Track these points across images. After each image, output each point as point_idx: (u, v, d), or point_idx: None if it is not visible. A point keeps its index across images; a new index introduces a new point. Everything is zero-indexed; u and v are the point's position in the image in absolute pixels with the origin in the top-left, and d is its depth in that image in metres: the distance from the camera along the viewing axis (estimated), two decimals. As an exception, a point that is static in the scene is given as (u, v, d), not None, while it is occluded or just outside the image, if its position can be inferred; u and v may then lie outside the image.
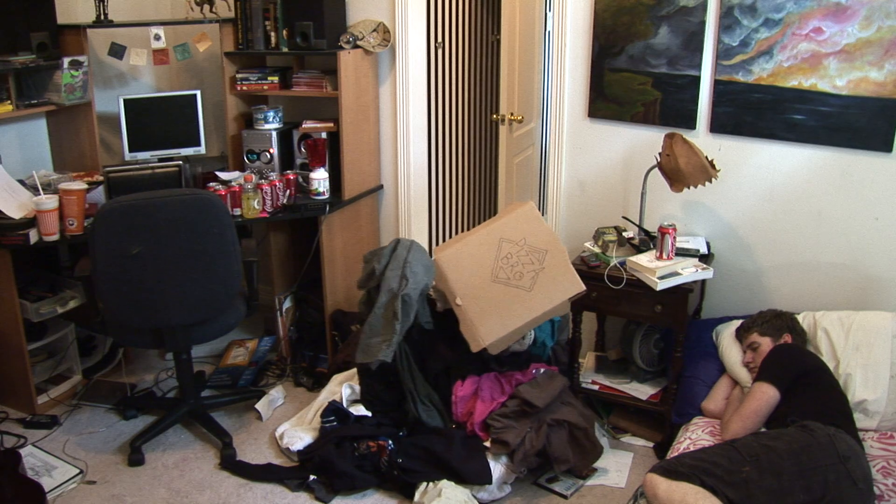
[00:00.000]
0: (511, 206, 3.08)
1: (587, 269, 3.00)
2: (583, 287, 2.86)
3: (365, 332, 2.91)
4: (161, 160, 3.49)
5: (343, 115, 3.46)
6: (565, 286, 2.84)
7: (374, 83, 3.71)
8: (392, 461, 2.77)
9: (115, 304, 2.81)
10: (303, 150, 3.70)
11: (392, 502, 2.75)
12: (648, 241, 3.06)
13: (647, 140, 3.18)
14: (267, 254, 3.82)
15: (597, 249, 3.09)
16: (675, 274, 2.84)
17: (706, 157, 2.88)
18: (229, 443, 3.02)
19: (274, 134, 3.64)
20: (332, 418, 3.04)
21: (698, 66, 3.02)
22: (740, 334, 2.82)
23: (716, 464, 2.16)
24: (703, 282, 3.15)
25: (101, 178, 3.33)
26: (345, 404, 3.14)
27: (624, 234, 3.16)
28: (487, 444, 2.80)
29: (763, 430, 2.42)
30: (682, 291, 2.86)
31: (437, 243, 4.47)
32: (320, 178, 3.49)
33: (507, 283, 2.82)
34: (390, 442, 2.84)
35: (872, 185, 2.84)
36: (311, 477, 2.81)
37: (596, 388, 3.13)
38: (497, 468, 2.74)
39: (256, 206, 3.35)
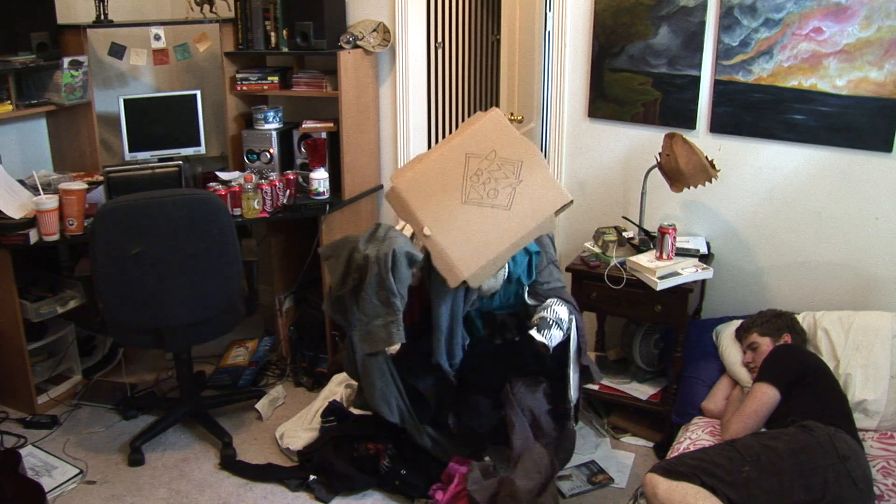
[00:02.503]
0: (475, 117, 2.70)
1: (587, 268, 3.00)
2: (569, 197, 2.58)
3: (360, 320, 2.60)
4: (161, 160, 3.49)
5: (343, 115, 3.46)
6: (549, 199, 2.53)
7: (374, 83, 3.71)
8: (395, 470, 2.76)
9: (115, 304, 2.81)
10: (303, 150, 3.70)
11: (392, 502, 2.76)
12: (648, 241, 3.06)
13: (647, 140, 3.18)
14: (267, 254, 3.82)
15: (597, 249, 3.09)
16: (675, 274, 2.84)
17: (706, 157, 2.88)
18: (229, 443, 3.02)
19: (274, 134, 3.64)
20: (332, 418, 3.04)
21: (698, 66, 3.02)
22: (740, 334, 2.82)
23: (716, 464, 2.16)
24: (703, 282, 3.15)
25: (101, 178, 3.33)
26: (345, 404, 3.14)
27: (624, 234, 3.16)
28: None
29: (763, 429, 2.42)
30: (682, 291, 2.86)
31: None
32: (320, 178, 3.49)
33: (480, 204, 2.48)
34: (390, 446, 2.84)
35: (872, 185, 2.84)
36: (311, 477, 2.81)
37: (596, 388, 3.13)
38: None
39: (256, 206, 3.35)
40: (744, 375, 2.73)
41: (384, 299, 2.55)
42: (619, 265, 2.95)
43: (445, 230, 2.47)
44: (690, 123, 3.09)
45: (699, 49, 3.01)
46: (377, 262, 2.51)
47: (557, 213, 2.61)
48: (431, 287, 2.66)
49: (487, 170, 2.52)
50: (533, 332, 2.58)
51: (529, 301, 2.79)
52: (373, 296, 2.55)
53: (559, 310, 2.68)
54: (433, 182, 2.52)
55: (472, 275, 2.46)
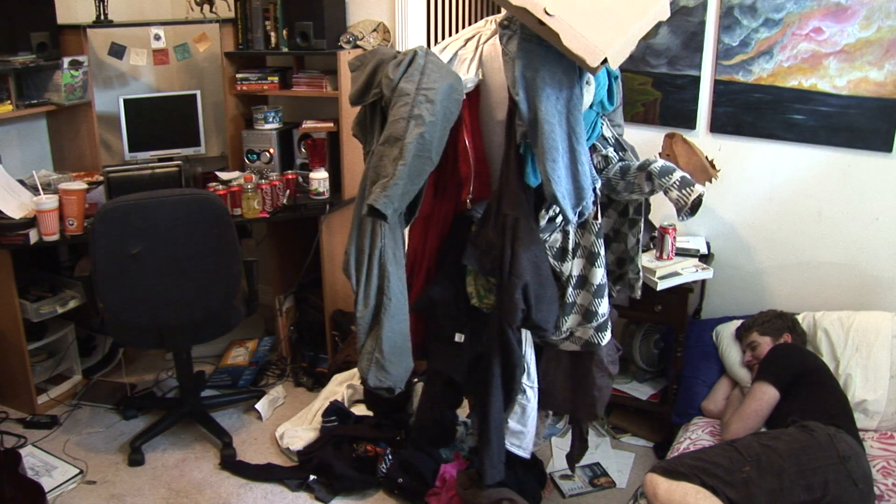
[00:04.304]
0: None
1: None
2: None
3: (370, 170, 2.13)
4: (161, 160, 3.49)
5: (343, 115, 3.46)
6: None
7: (374, 83, 3.70)
8: (391, 477, 2.75)
9: (115, 304, 2.81)
10: (303, 150, 3.70)
11: (392, 502, 2.76)
12: (648, 241, 3.06)
13: (647, 140, 3.18)
14: (267, 254, 3.82)
15: (597, 249, 3.09)
16: (675, 274, 2.84)
17: (706, 157, 2.88)
18: (229, 443, 3.02)
19: (274, 134, 3.65)
20: (334, 418, 3.04)
21: (698, 66, 3.03)
22: (740, 334, 2.82)
23: (716, 464, 2.16)
24: (703, 282, 3.15)
25: (101, 178, 3.33)
26: (346, 404, 3.14)
27: (624, 234, 3.15)
28: None
29: (763, 429, 2.42)
30: (682, 291, 2.86)
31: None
32: (320, 178, 3.49)
33: None
34: (388, 452, 2.81)
35: (872, 185, 2.84)
36: (311, 477, 2.81)
37: (596, 388, 3.13)
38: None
39: (256, 206, 3.35)
40: (744, 375, 2.73)
41: (392, 157, 2.07)
42: (619, 265, 2.95)
43: (568, 7, 2.07)
44: (690, 123, 3.09)
45: (699, 49, 3.01)
46: (404, 111, 2.05)
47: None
48: (529, 90, 2.12)
49: None
50: (699, 189, 2.25)
51: (607, 133, 2.44)
52: (382, 149, 2.10)
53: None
54: None
55: (614, 52, 2.06)
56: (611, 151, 2.42)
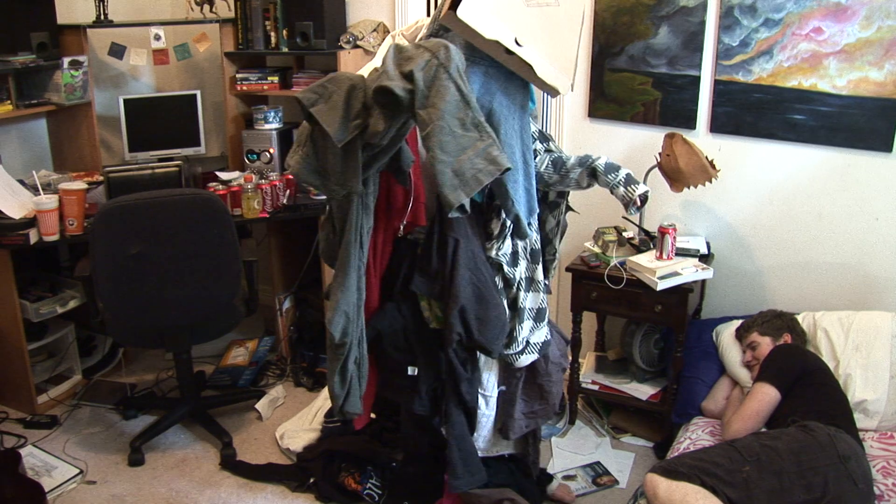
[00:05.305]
0: None
1: (587, 268, 3.00)
2: None
3: (439, 160, 1.85)
4: (161, 160, 3.49)
5: (343, 115, 3.46)
6: None
7: (374, 83, 3.71)
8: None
9: (115, 304, 2.81)
10: (303, 150, 3.69)
11: None
12: (648, 241, 3.06)
13: (647, 140, 3.18)
14: (267, 254, 3.82)
15: (597, 249, 3.09)
16: (675, 274, 2.84)
17: (706, 157, 2.88)
18: (229, 443, 3.02)
19: (274, 134, 3.65)
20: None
21: (698, 66, 3.02)
22: (740, 334, 2.82)
23: (716, 464, 2.16)
24: (703, 282, 3.15)
25: (101, 178, 3.33)
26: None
27: (624, 234, 3.15)
28: None
29: (763, 429, 2.42)
30: (682, 291, 2.86)
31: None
32: (320, 178, 3.49)
33: (538, 5, 2.19)
34: (371, 485, 2.72)
35: (872, 185, 2.84)
36: (311, 479, 2.81)
37: (596, 388, 3.13)
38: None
39: (256, 206, 3.35)
40: (744, 375, 2.73)
41: (470, 121, 1.89)
42: (619, 265, 2.95)
43: (531, 38, 2.11)
44: (690, 123, 3.09)
45: (699, 49, 3.01)
46: (449, 76, 1.86)
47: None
48: (488, 116, 2.08)
49: None
50: (643, 187, 2.39)
51: (532, 127, 2.43)
52: (454, 125, 1.87)
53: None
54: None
55: (574, 77, 2.18)
56: (537, 144, 2.43)
